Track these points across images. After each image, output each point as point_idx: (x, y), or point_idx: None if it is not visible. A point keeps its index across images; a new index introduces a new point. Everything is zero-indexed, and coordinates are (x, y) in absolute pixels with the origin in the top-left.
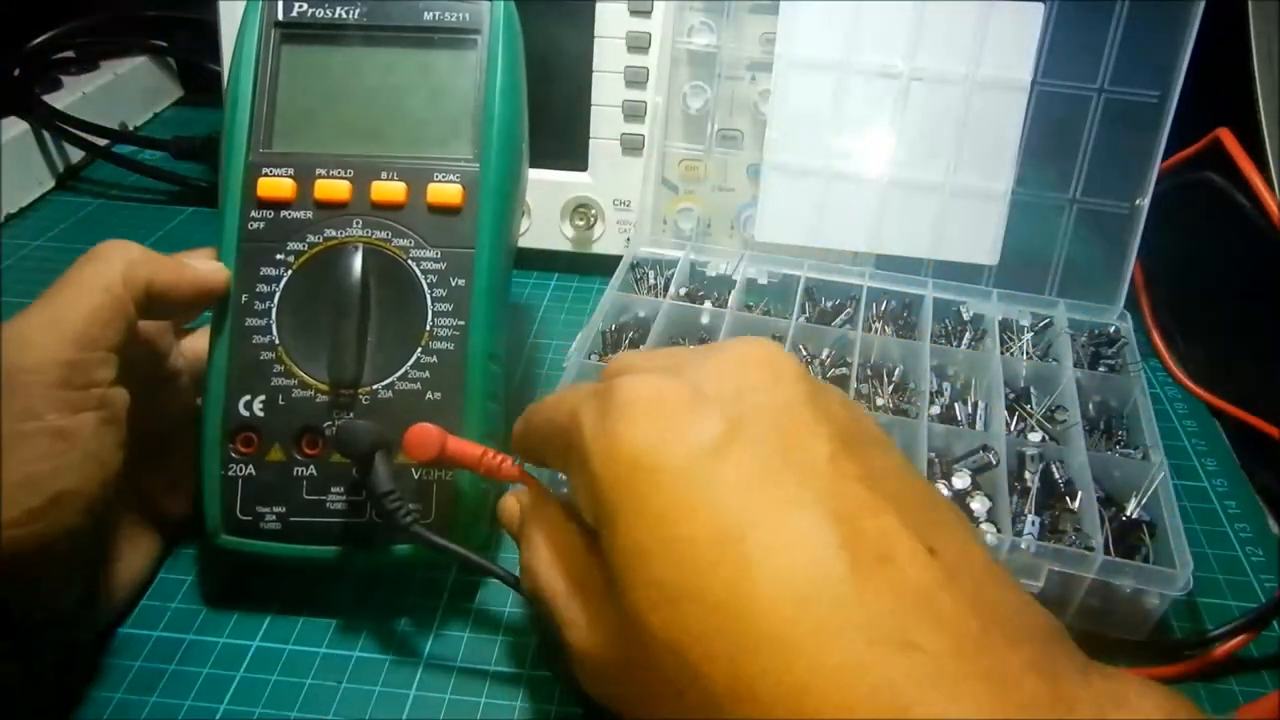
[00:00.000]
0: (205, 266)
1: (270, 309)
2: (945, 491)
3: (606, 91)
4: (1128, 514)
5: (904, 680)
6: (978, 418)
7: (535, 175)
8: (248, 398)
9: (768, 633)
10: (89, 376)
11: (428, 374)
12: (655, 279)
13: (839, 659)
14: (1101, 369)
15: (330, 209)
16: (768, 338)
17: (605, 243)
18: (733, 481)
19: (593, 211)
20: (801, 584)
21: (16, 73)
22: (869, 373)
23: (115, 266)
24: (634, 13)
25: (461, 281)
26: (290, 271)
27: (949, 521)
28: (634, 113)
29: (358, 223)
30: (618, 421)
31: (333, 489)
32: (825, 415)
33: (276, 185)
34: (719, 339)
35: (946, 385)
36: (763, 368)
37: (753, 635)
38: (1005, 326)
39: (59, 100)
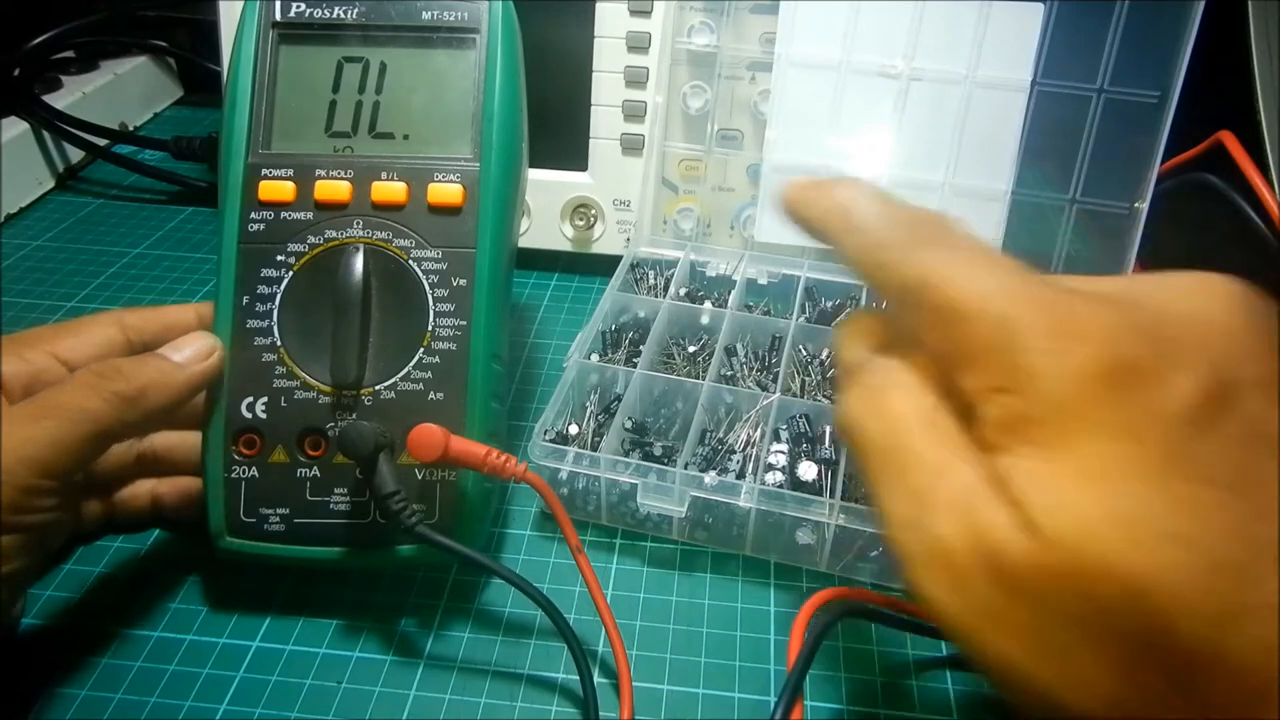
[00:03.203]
0: (198, 369)
1: (271, 310)
2: None
3: (606, 91)
4: None
5: None
6: None
7: (535, 175)
8: (250, 399)
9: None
10: (32, 504)
11: (430, 374)
12: (655, 279)
13: None
14: None
15: (331, 210)
16: None
17: (605, 243)
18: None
19: (593, 211)
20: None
21: (16, 73)
22: None
23: (101, 395)
24: (634, 13)
25: (463, 281)
26: (291, 273)
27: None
28: (634, 113)
29: (358, 223)
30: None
31: (336, 490)
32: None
33: (277, 187)
34: (718, 339)
35: None
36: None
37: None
38: None
39: (59, 100)
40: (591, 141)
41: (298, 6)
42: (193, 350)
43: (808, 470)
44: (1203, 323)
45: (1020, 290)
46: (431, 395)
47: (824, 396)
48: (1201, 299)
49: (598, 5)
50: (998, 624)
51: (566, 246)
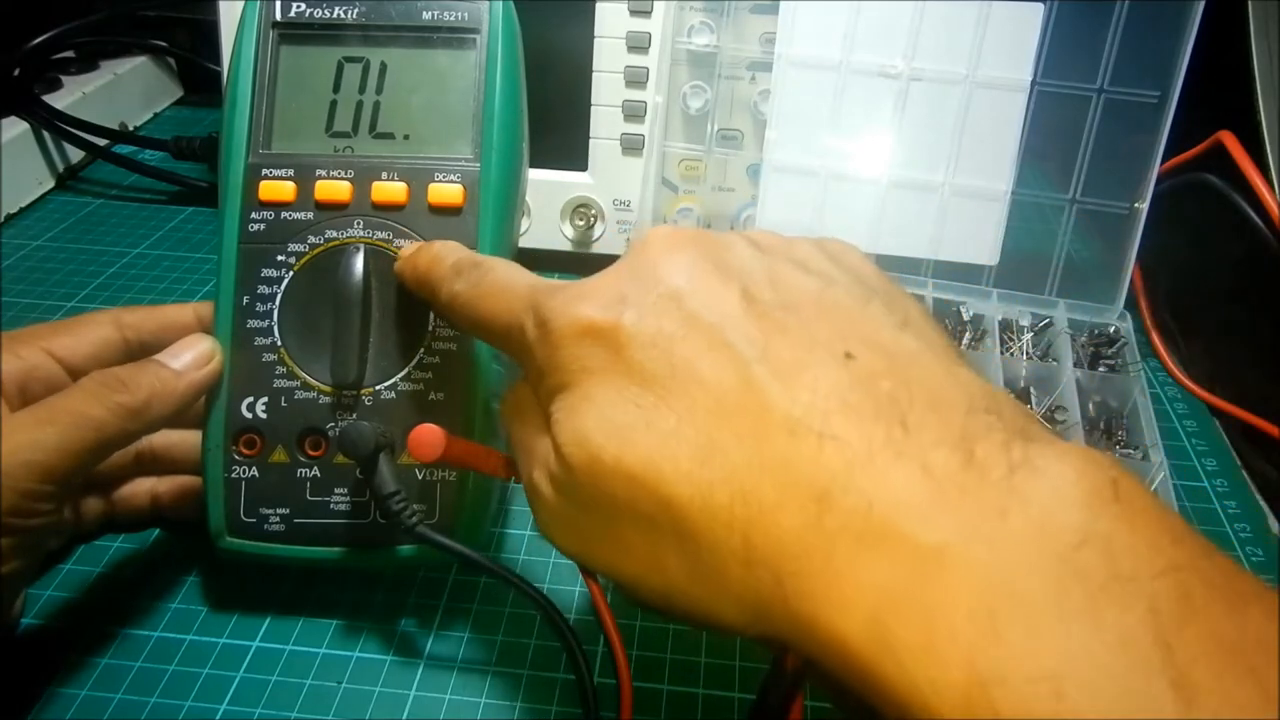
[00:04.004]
0: (198, 375)
1: (272, 310)
2: None
3: (606, 91)
4: None
5: (822, 467)
6: None
7: (535, 175)
8: (250, 399)
9: (703, 443)
10: (32, 507)
11: (430, 374)
12: None
13: (765, 455)
14: (1101, 369)
15: (331, 210)
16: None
17: (605, 243)
18: (654, 330)
19: (593, 211)
20: (706, 399)
21: (16, 73)
22: None
23: (106, 405)
24: (634, 13)
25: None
26: (291, 273)
27: (871, 321)
28: (634, 113)
29: (359, 223)
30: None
31: (336, 490)
32: (728, 261)
33: (277, 187)
34: None
35: None
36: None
37: (689, 444)
38: (1005, 326)
39: (59, 100)
40: (591, 141)
41: (298, 6)
42: (191, 356)
43: None
44: (632, 264)
45: (524, 301)
46: (432, 395)
47: None
48: (640, 247)
49: (598, 5)
50: (567, 528)
51: (566, 246)
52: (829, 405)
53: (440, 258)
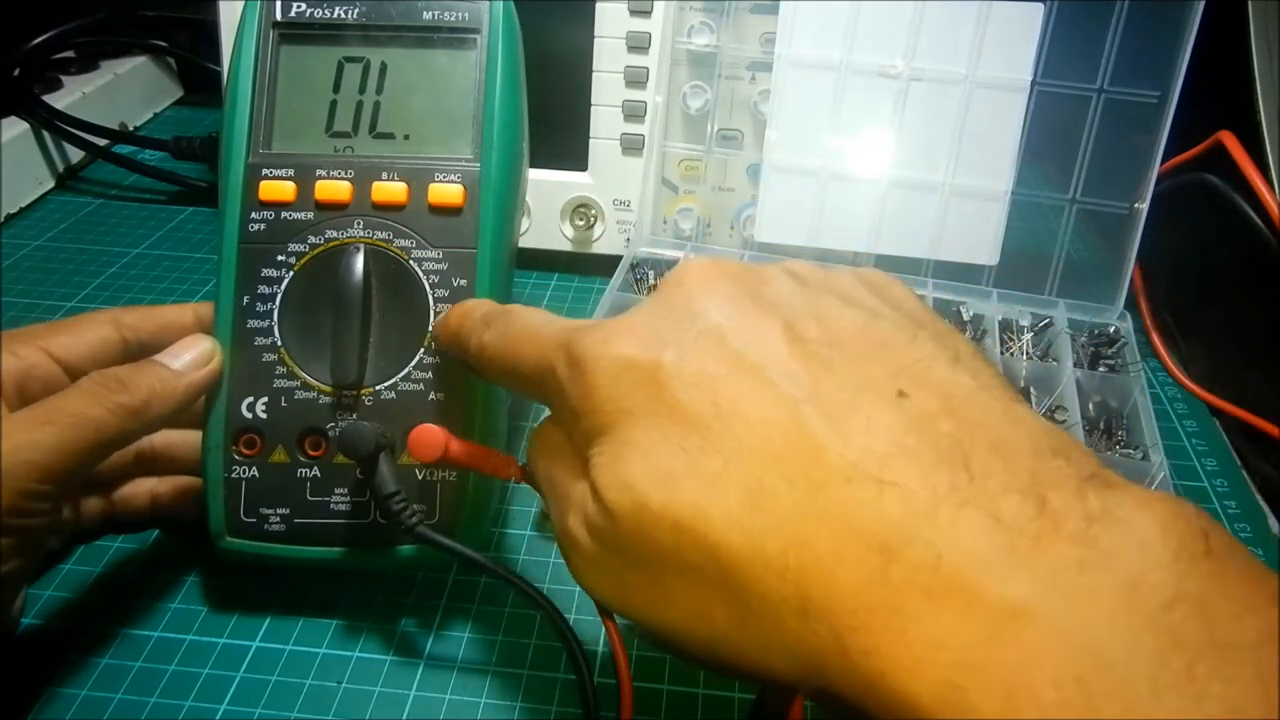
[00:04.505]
0: (198, 375)
1: (272, 310)
2: None
3: (606, 91)
4: None
5: (883, 516)
6: None
7: (535, 175)
8: (250, 399)
9: (753, 487)
10: (31, 507)
11: (430, 374)
12: (655, 279)
13: (820, 502)
14: (1101, 369)
15: (331, 210)
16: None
17: (605, 243)
18: (696, 370)
19: (593, 211)
20: (755, 441)
21: (16, 73)
22: None
23: (105, 405)
24: (634, 13)
25: (463, 282)
26: (291, 273)
27: (923, 359)
28: (634, 113)
29: (359, 223)
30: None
31: (336, 490)
32: (767, 296)
33: (277, 187)
34: None
35: None
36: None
37: (738, 489)
38: (1005, 326)
39: (59, 100)
40: (591, 141)
41: (298, 6)
42: (191, 356)
43: None
44: (666, 301)
45: (554, 342)
46: (432, 395)
47: None
48: (675, 282)
49: (598, 5)
50: (606, 577)
51: (566, 246)
52: (886, 449)
53: (469, 311)
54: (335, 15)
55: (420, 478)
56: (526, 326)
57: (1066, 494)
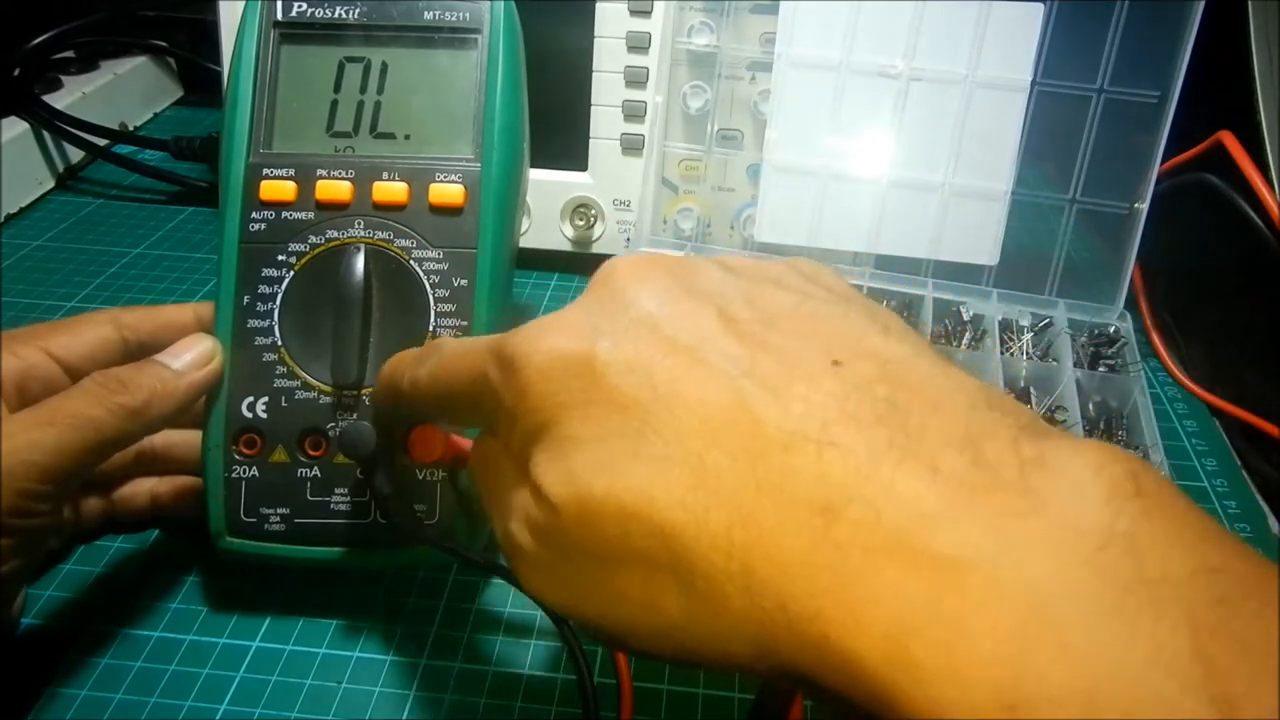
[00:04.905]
0: (198, 375)
1: (272, 310)
2: None
3: (606, 91)
4: None
5: (823, 478)
6: None
7: (535, 175)
8: (250, 399)
9: (694, 465)
10: (31, 508)
11: None
12: None
13: (762, 473)
14: (1101, 369)
15: (332, 210)
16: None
17: (605, 243)
18: (631, 356)
19: (593, 211)
20: (694, 420)
21: (16, 73)
22: None
23: (106, 406)
24: (634, 13)
25: (464, 282)
26: (292, 272)
27: (856, 331)
28: (634, 113)
29: (359, 223)
30: None
31: (336, 490)
32: (699, 285)
33: (278, 187)
34: None
35: None
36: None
37: (680, 468)
38: (1005, 326)
39: (59, 100)
40: (591, 141)
41: (299, 6)
42: (192, 356)
43: None
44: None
45: (484, 351)
46: None
47: None
48: (604, 277)
49: (598, 5)
50: (553, 580)
51: (566, 246)
52: (825, 415)
53: (400, 357)
54: (336, 15)
55: (420, 478)
56: (455, 350)
57: (1002, 444)
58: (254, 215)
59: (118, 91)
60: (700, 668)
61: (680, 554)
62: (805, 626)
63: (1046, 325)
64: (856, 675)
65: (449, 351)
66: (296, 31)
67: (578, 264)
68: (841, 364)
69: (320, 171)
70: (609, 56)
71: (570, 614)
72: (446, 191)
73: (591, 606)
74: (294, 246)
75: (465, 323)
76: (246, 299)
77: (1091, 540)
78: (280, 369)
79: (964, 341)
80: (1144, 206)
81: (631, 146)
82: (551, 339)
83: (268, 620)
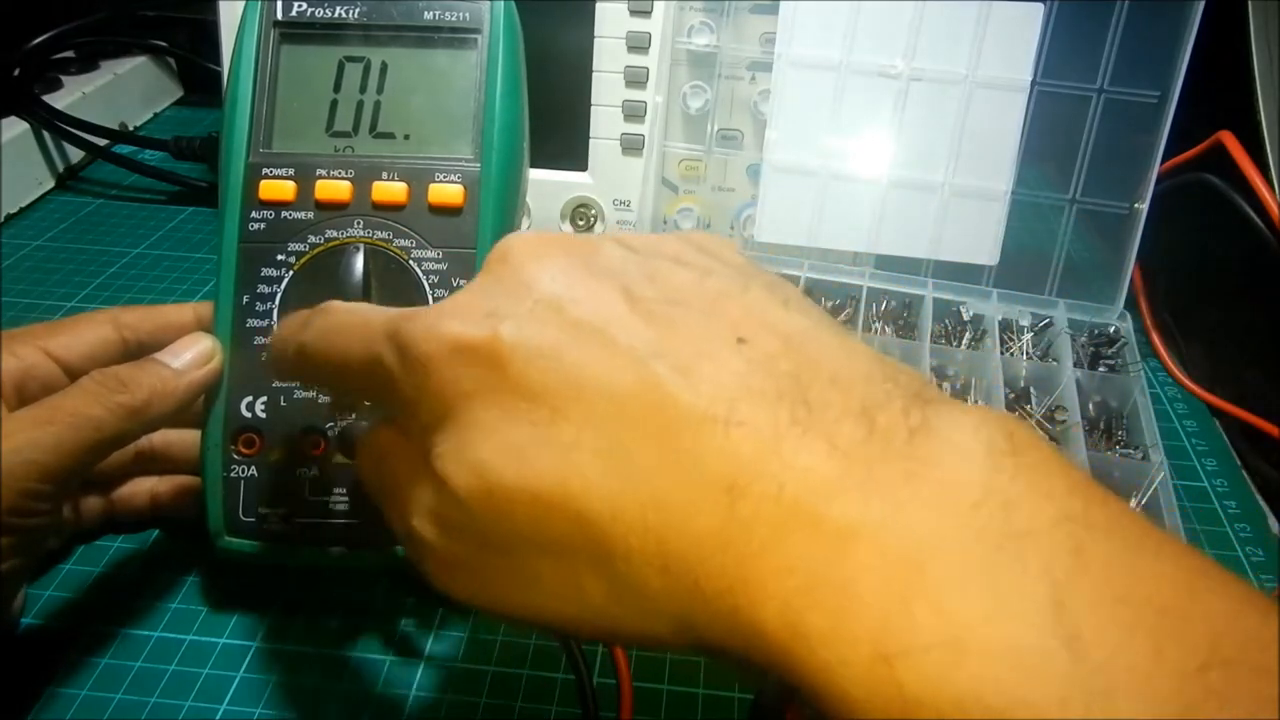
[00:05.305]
0: (198, 374)
1: (271, 310)
2: None
3: (606, 91)
4: None
5: (730, 456)
6: None
7: (535, 175)
8: (250, 399)
9: (607, 450)
10: (31, 507)
11: None
12: None
13: (672, 454)
14: (1101, 369)
15: (331, 209)
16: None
17: None
18: (537, 341)
19: (593, 211)
20: (603, 405)
21: (16, 73)
22: None
23: (106, 405)
24: (634, 13)
25: (463, 282)
26: (291, 272)
27: (758, 306)
28: (634, 113)
29: (359, 223)
30: None
31: (335, 490)
32: (600, 264)
33: (277, 187)
34: None
35: (946, 385)
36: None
37: (593, 454)
38: (1005, 326)
39: (59, 100)
40: (591, 141)
41: (299, 6)
42: (192, 355)
43: None
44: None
45: (380, 331)
46: None
47: None
48: (500, 257)
49: (598, 5)
50: (465, 575)
51: None
52: (732, 393)
53: (288, 320)
54: (336, 15)
55: None
56: (346, 320)
57: (893, 414)
58: (253, 215)
59: (118, 91)
60: (628, 645)
61: (598, 540)
62: (717, 602)
63: (1046, 325)
64: (762, 645)
65: (336, 322)
66: (296, 31)
67: None
68: (746, 340)
69: (320, 171)
70: (609, 56)
71: (488, 608)
72: (446, 191)
73: (508, 597)
74: (293, 246)
75: None
76: (246, 298)
77: (968, 500)
78: None
79: (964, 341)
80: (1144, 206)
81: (631, 146)
82: (452, 325)
83: (268, 620)
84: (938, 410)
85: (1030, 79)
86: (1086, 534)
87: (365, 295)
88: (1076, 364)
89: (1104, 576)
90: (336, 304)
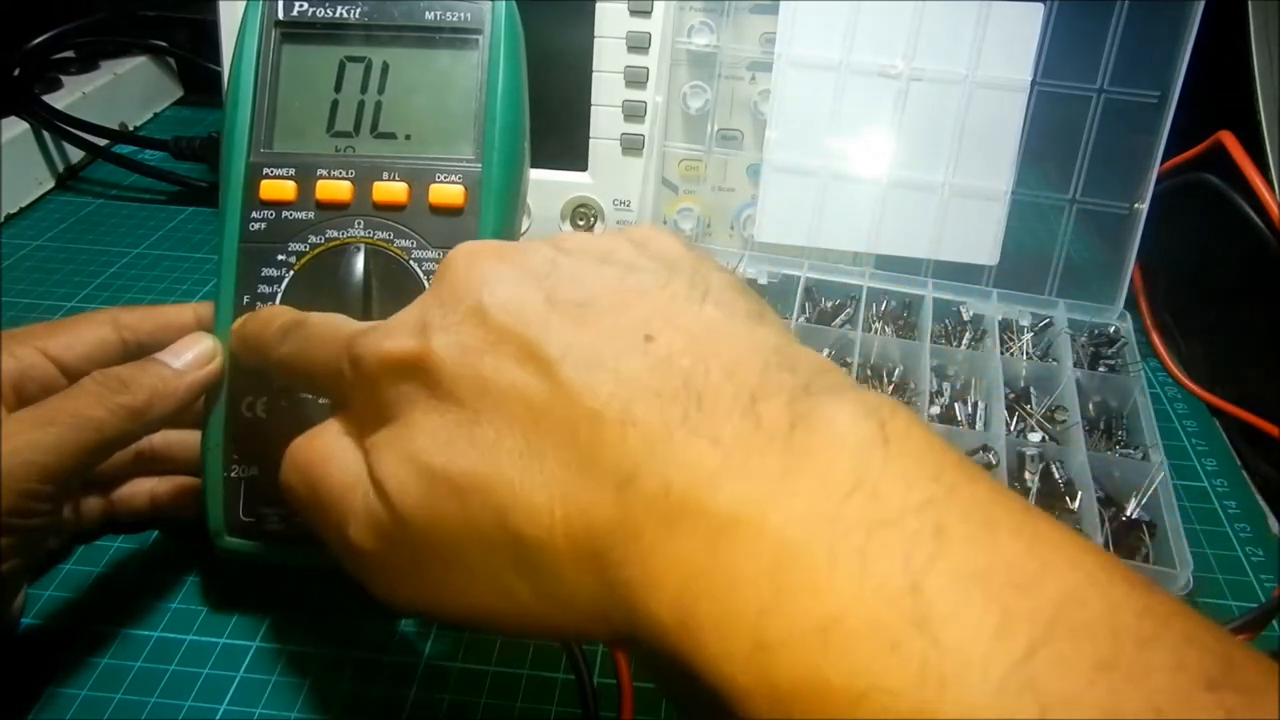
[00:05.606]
0: (199, 375)
1: None
2: None
3: (606, 91)
4: (1128, 514)
5: (625, 454)
6: (978, 418)
7: (535, 175)
8: (250, 399)
9: (522, 450)
10: (31, 507)
11: None
12: None
13: (576, 453)
14: (1101, 369)
15: (332, 209)
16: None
17: None
18: (462, 351)
19: (593, 211)
20: (518, 408)
21: (16, 73)
22: (869, 373)
23: (107, 406)
24: (634, 13)
25: None
26: (292, 272)
27: (673, 301)
28: (634, 113)
29: (359, 223)
30: None
31: None
32: (528, 268)
33: (278, 186)
34: None
35: (946, 385)
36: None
37: (510, 454)
38: (1005, 326)
39: (59, 100)
40: (591, 141)
41: (300, 6)
42: (192, 355)
43: None
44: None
45: (341, 345)
46: None
47: None
48: (443, 268)
49: (598, 5)
50: (401, 577)
51: None
52: (630, 393)
53: (267, 321)
54: (337, 15)
55: None
56: (319, 335)
57: (779, 405)
58: (254, 215)
59: (118, 91)
60: (565, 642)
61: (516, 533)
62: (621, 594)
63: (1046, 325)
64: (659, 637)
65: (313, 338)
66: (297, 31)
67: None
68: (653, 338)
69: (320, 171)
70: (609, 56)
71: (429, 612)
72: (446, 192)
73: (449, 601)
74: (294, 246)
75: None
76: (246, 299)
77: (840, 491)
78: None
79: (964, 341)
80: (1144, 206)
81: (631, 146)
82: (393, 341)
83: (268, 620)
84: (820, 402)
85: (1030, 79)
86: (948, 515)
87: (365, 296)
88: (1076, 364)
89: (963, 556)
90: (313, 317)
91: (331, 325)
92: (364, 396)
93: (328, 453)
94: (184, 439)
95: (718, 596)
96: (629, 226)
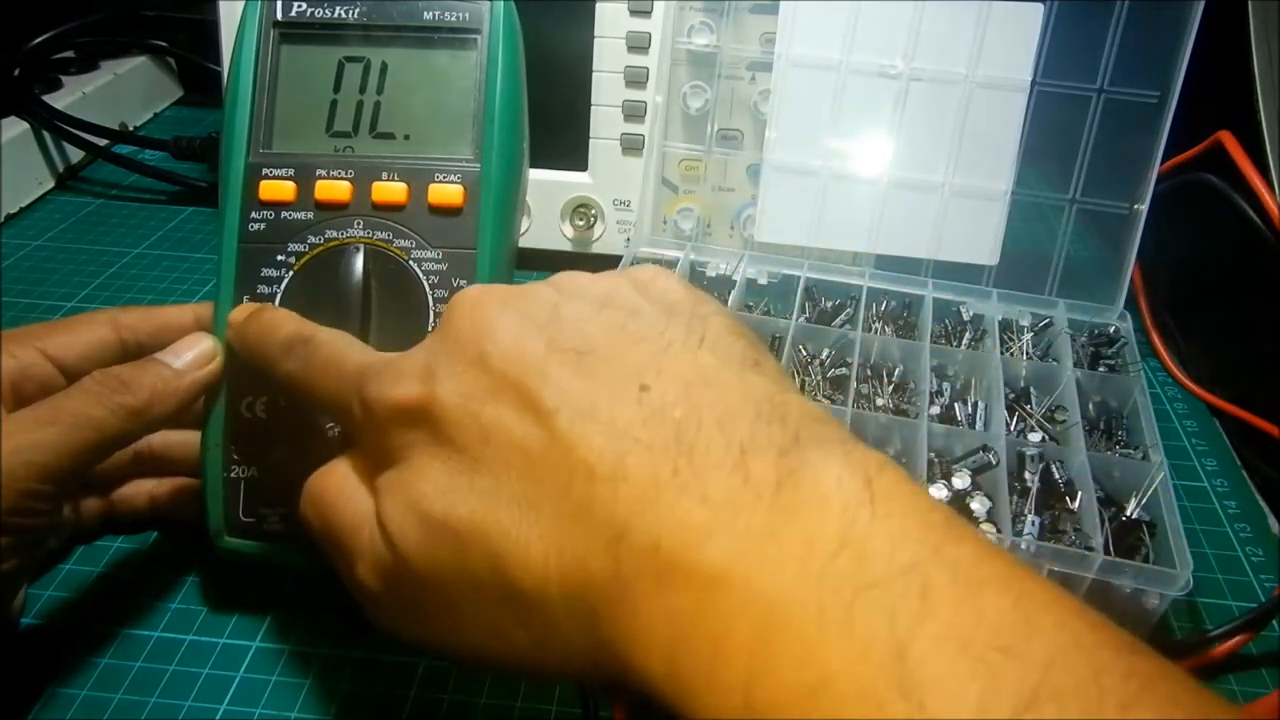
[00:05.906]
0: (199, 375)
1: None
2: (945, 492)
3: (606, 91)
4: (1128, 514)
5: (617, 510)
6: (978, 418)
7: (535, 175)
8: (250, 399)
9: (519, 499)
10: (31, 507)
11: None
12: None
13: (571, 505)
14: (1101, 369)
15: (331, 210)
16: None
17: (605, 243)
18: (463, 400)
19: (593, 211)
20: (516, 457)
21: (16, 73)
22: (869, 373)
23: (107, 405)
24: (634, 13)
25: (463, 282)
26: (291, 272)
27: (670, 348)
28: (634, 113)
29: (359, 223)
30: None
31: None
32: (531, 314)
33: (277, 187)
34: None
35: (946, 385)
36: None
37: (507, 503)
38: (1005, 326)
39: (59, 100)
40: (591, 141)
41: (299, 6)
42: (192, 355)
43: None
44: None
45: (351, 382)
46: None
47: (824, 397)
48: (448, 313)
49: (598, 5)
50: (403, 614)
51: (566, 246)
52: (623, 445)
53: (272, 329)
54: (336, 15)
55: None
56: (327, 360)
57: (768, 461)
58: (253, 215)
59: (118, 91)
60: (564, 682)
61: (512, 583)
62: (613, 646)
63: (1046, 325)
64: (652, 688)
65: (320, 362)
66: (296, 31)
67: (578, 264)
68: (648, 388)
69: (320, 171)
70: (609, 56)
71: (430, 648)
72: (446, 192)
73: (448, 639)
74: (293, 246)
75: None
76: (246, 299)
77: (825, 551)
78: None
79: (964, 341)
80: (1144, 206)
81: (631, 146)
82: (401, 388)
83: (268, 620)
84: (808, 458)
85: (1030, 79)
86: (935, 576)
87: (365, 296)
88: (1076, 364)
89: (947, 619)
90: (321, 338)
91: (338, 351)
92: (373, 440)
93: (339, 490)
94: (184, 439)
95: (707, 655)
96: (631, 268)
